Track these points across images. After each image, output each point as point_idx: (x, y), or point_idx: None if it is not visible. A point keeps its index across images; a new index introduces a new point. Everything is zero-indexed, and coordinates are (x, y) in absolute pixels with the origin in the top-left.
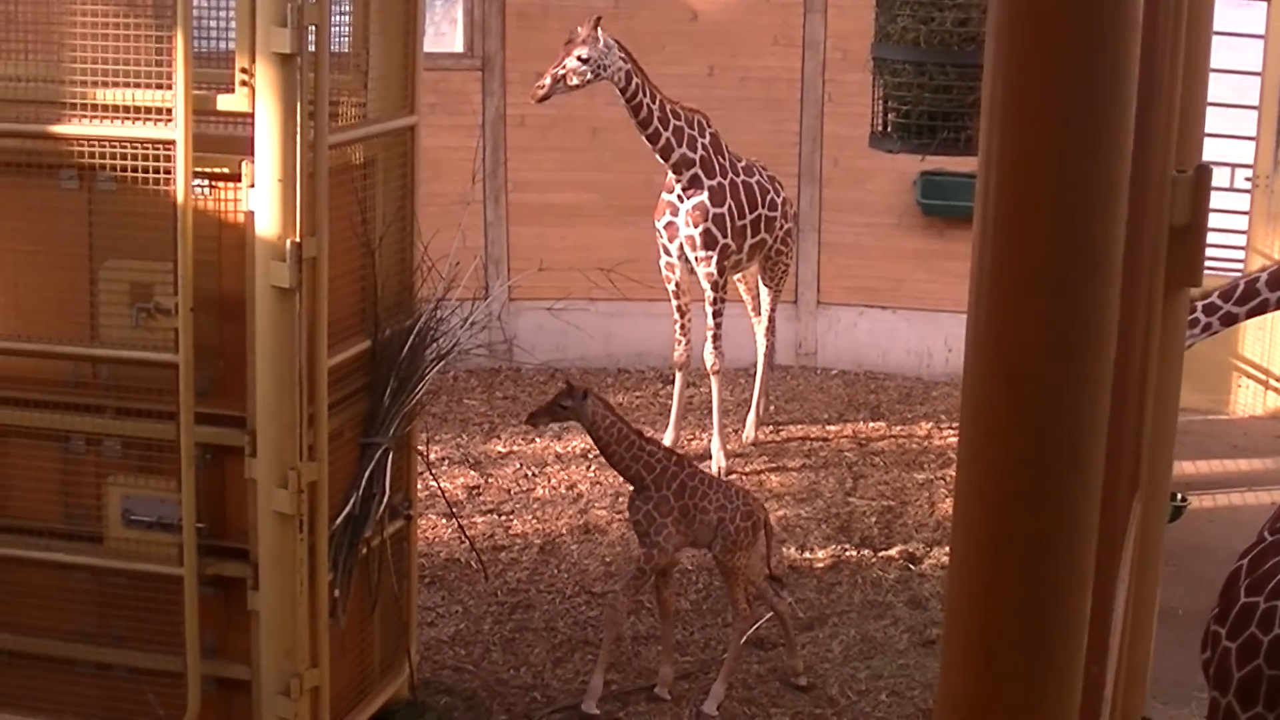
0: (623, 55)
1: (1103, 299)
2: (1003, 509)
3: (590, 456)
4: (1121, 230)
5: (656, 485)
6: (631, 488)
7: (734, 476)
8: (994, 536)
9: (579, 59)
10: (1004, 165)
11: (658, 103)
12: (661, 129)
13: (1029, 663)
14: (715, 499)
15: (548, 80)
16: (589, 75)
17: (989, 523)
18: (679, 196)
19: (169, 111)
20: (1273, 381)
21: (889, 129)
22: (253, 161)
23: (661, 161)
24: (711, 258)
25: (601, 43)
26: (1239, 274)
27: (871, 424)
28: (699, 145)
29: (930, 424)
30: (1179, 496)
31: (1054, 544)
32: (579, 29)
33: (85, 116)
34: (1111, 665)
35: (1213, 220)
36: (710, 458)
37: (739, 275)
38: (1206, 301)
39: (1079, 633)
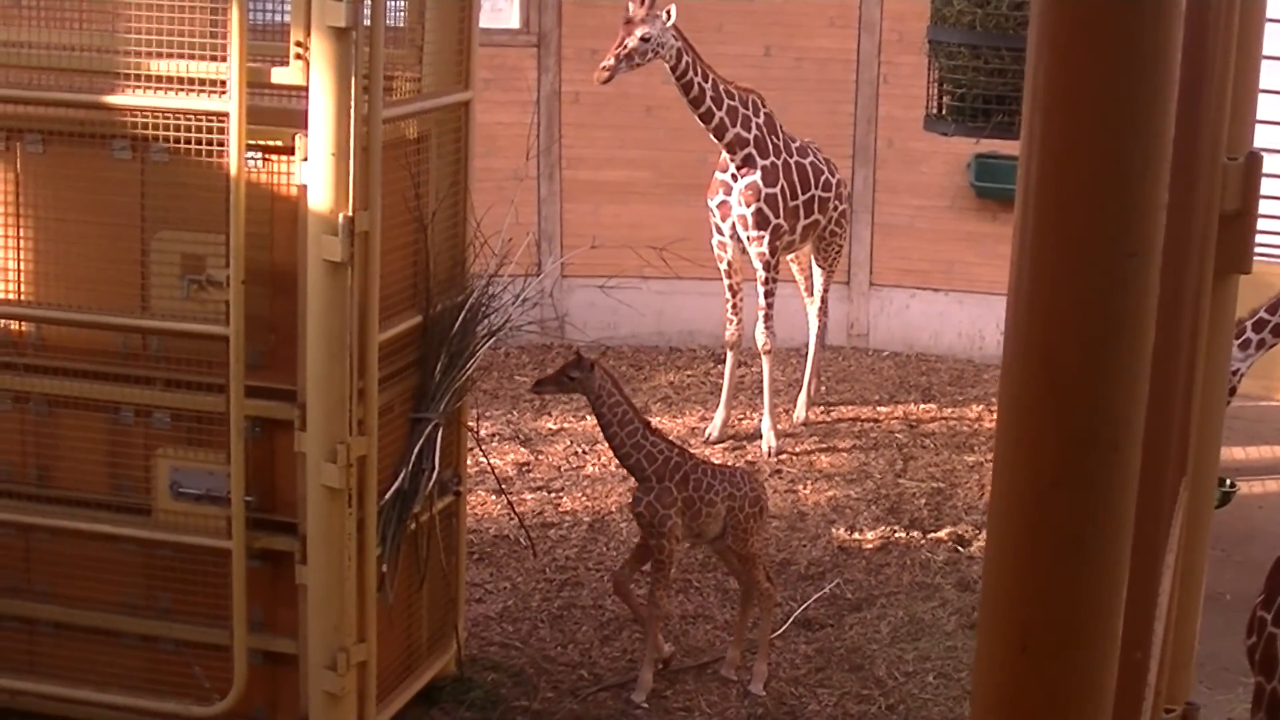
0: (675, 33)
1: (1142, 286)
2: (1040, 495)
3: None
4: (1162, 218)
5: (658, 477)
6: (633, 478)
7: (784, 456)
8: (1031, 523)
9: (641, 38)
10: (1044, 152)
11: (710, 82)
12: (715, 108)
13: (1065, 649)
14: (722, 489)
15: (611, 60)
16: (649, 54)
17: (1026, 509)
18: (732, 176)
19: (223, 83)
20: None
21: (944, 111)
22: (306, 135)
23: (715, 141)
24: (763, 237)
25: (661, 20)
26: None
27: (922, 406)
28: (753, 125)
29: (981, 407)
30: (1228, 482)
31: (1091, 531)
32: (635, 6)
33: (139, 87)
34: (1156, 650)
35: (1263, 207)
36: (761, 437)
37: (792, 255)
38: (1255, 319)
39: (1115, 619)
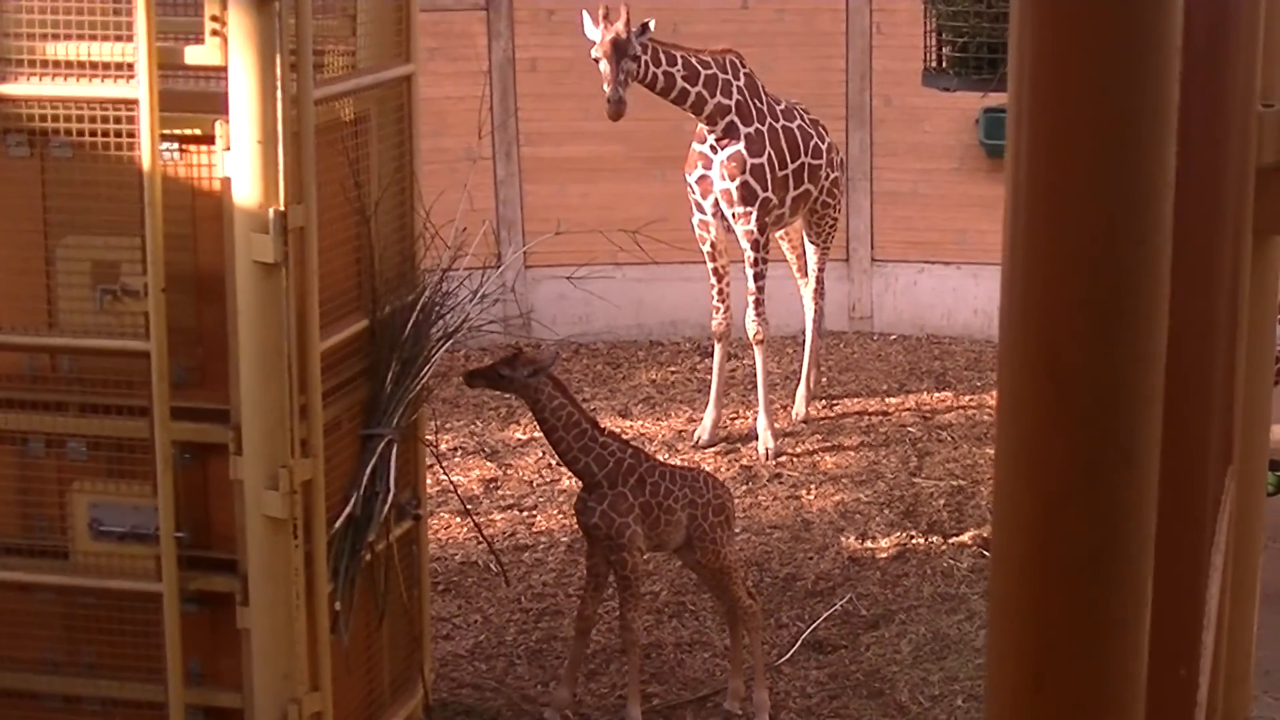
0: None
1: (1154, 276)
2: (1048, 514)
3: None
4: (1170, 198)
5: (610, 481)
6: (580, 484)
7: (784, 458)
8: (1039, 544)
9: (633, 58)
10: (1034, 128)
11: (679, 62)
12: (689, 86)
13: (1083, 683)
14: (681, 494)
15: (614, 91)
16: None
17: (1033, 529)
18: (712, 147)
19: (130, 66)
20: None
21: (944, 64)
22: (228, 121)
23: (694, 117)
24: (751, 214)
25: (635, 32)
26: None
27: (937, 394)
28: (733, 90)
29: None
30: None
31: (1106, 551)
32: (617, 26)
33: (34, 74)
34: (1206, 664)
35: None
36: (756, 438)
37: (781, 232)
38: None
39: (1137, 649)
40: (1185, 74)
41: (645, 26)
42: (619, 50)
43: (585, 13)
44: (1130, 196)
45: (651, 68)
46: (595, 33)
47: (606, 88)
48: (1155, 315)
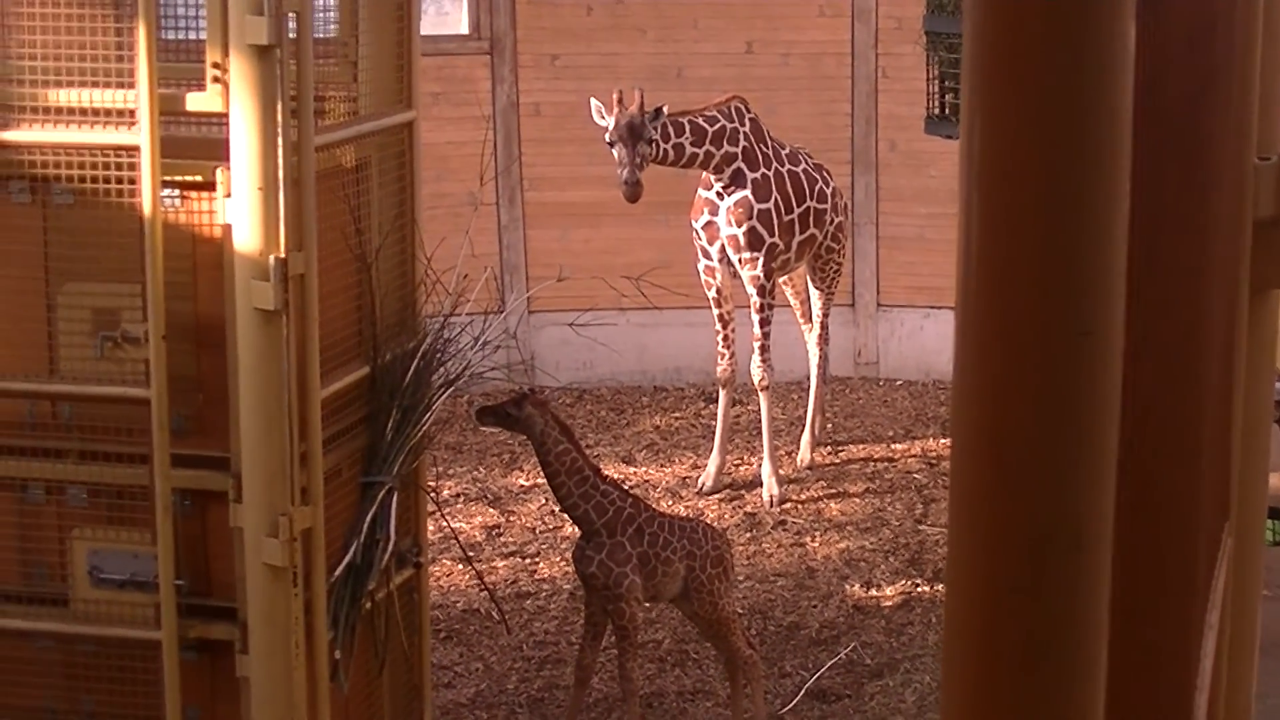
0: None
1: (1101, 367)
2: (996, 602)
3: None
4: (1120, 287)
5: (609, 530)
6: (579, 532)
7: (788, 505)
8: (989, 633)
9: (649, 142)
10: (983, 215)
11: (686, 130)
12: (697, 150)
13: None
14: (680, 546)
15: (631, 174)
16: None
17: (982, 618)
18: (719, 193)
19: (132, 113)
20: None
21: (946, 111)
22: (229, 168)
23: (704, 172)
24: (757, 259)
25: (653, 117)
26: None
27: (943, 441)
28: (740, 136)
29: None
30: None
31: (1056, 641)
32: (629, 109)
33: (36, 120)
34: None
35: None
36: (761, 485)
37: (785, 277)
38: None
39: None
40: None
41: (659, 111)
42: (635, 134)
43: (594, 100)
44: (1075, 288)
45: (662, 145)
46: (605, 120)
47: (623, 172)
48: (1104, 406)
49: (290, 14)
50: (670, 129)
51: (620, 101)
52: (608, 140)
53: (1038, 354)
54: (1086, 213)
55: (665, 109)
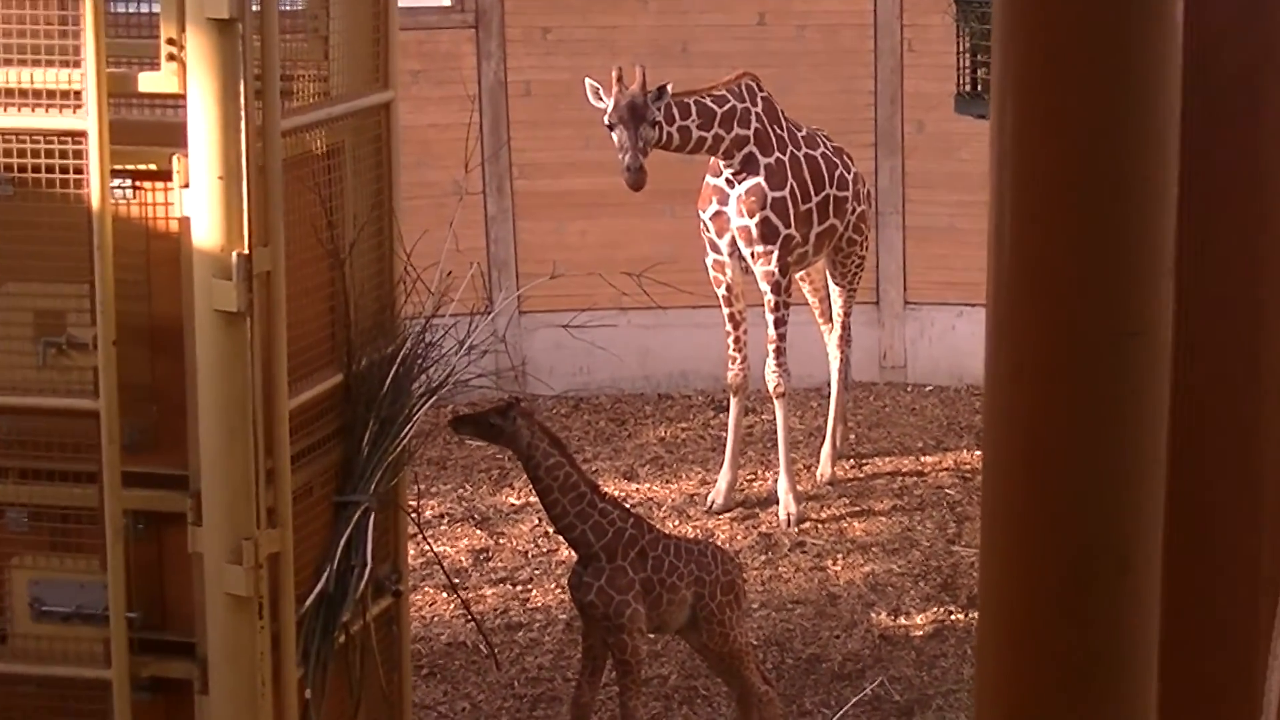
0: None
1: (1149, 370)
2: (1036, 628)
3: (627, 506)
4: (1168, 283)
5: (609, 553)
6: (575, 555)
7: (807, 525)
8: (1028, 662)
9: (652, 124)
10: (1017, 208)
11: (692, 111)
12: (705, 134)
13: None
14: (687, 571)
15: (633, 159)
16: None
17: (1021, 645)
18: (728, 180)
19: (78, 95)
20: None
21: (979, 88)
22: (186, 155)
23: (713, 157)
24: (772, 253)
25: (656, 97)
26: None
27: (978, 452)
28: (751, 117)
29: None
30: None
31: (1101, 669)
32: (630, 87)
33: None
34: None
35: None
36: (777, 502)
37: (803, 273)
38: None
39: None
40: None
41: (662, 90)
42: (637, 116)
43: (589, 80)
44: (1119, 284)
45: (666, 128)
46: (603, 101)
47: (624, 156)
48: (1152, 413)
49: None
50: (675, 110)
51: (620, 80)
52: (607, 123)
53: (1078, 356)
54: (1131, 201)
55: (669, 88)
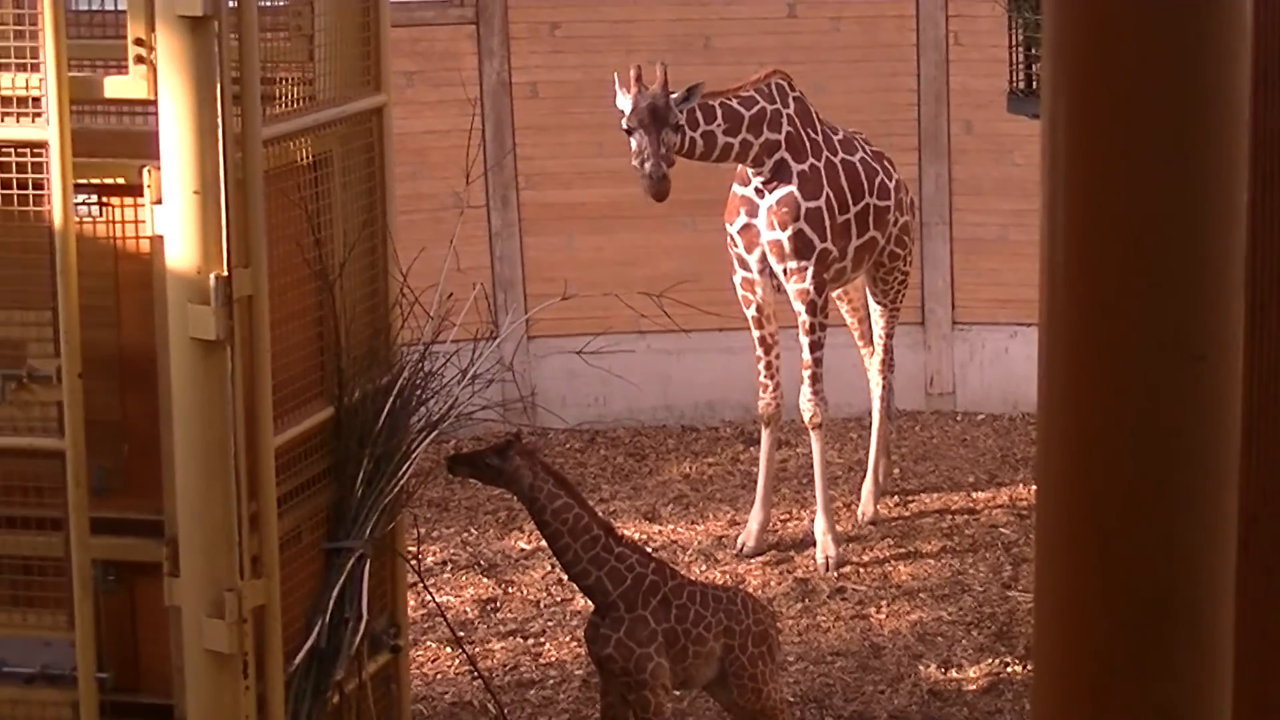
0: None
1: (1219, 397)
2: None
3: (647, 550)
4: (1238, 300)
5: (628, 602)
6: (591, 605)
7: (848, 569)
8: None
9: (675, 127)
10: (1071, 226)
11: (718, 115)
12: (731, 140)
13: None
14: (715, 621)
15: (656, 165)
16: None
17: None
18: (758, 190)
19: (37, 102)
20: None
21: (1033, 85)
22: (158, 167)
23: (743, 166)
24: (806, 269)
25: (682, 99)
26: None
27: (1034, 487)
28: (782, 120)
29: None
30: None
31: None
32: (649, 88)
33: None
34: None
35: None
36: (814, 544)
37: (840, 291)
38: None
39: None
40: None
41: (692, 91)
42: (658, 119)
43: (618, 75)
44: (1185, 304)
45: (689, 132)
46: (625, 101)
47: (645, 164)
48: (1222, 445)
49: None
50: (699, 114)
51: (639, 80)
52: (625, 127)
53: (1140, 383)
54: (1197, 212)
55: (701, 88)
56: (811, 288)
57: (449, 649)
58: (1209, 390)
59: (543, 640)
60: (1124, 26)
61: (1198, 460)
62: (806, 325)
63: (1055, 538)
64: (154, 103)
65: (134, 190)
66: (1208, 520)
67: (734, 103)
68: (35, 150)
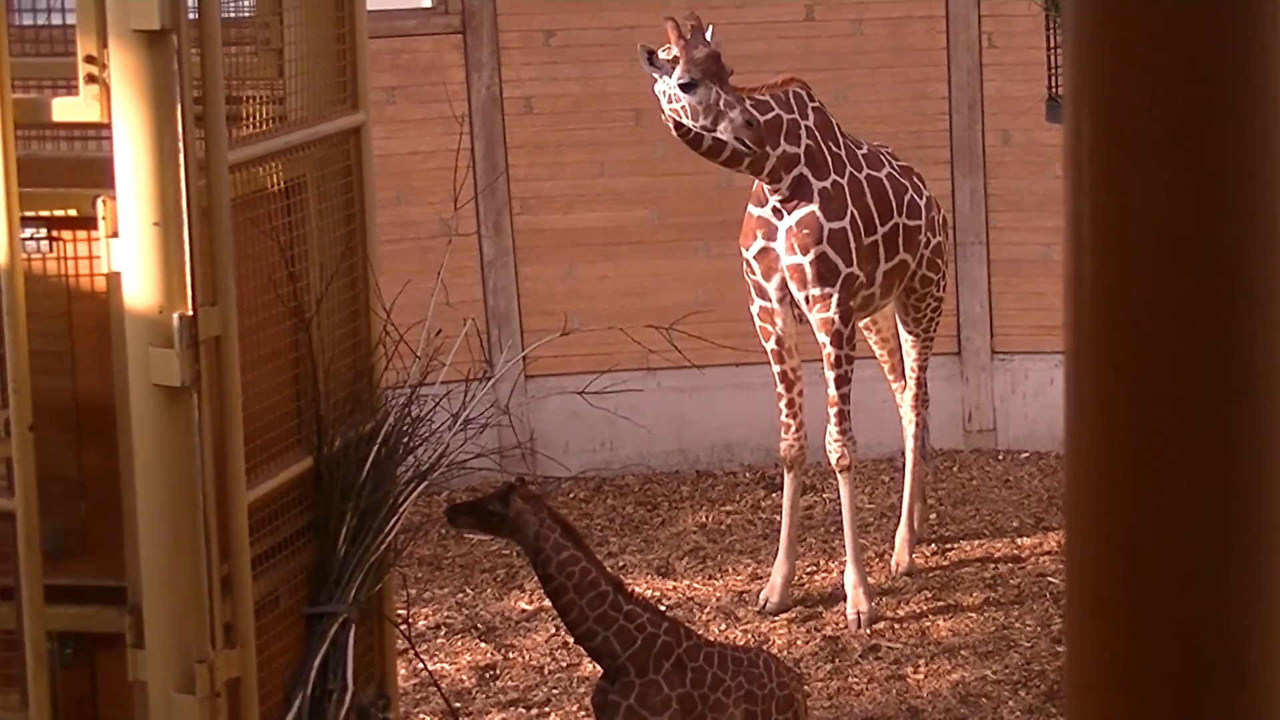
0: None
1: (1258, 443)
2: None
3: (659, 608)
4: (1277, 340)
5: (639, 666)
6: (600, 668)
7: (881, 625)
8: None
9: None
10: (1097, 244)
11: (736, 110)
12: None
13: None
14: (735, 685)
15: (749, 111)
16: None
17: None
18: (776, 210)
19: None
20: None
21: None
22: (114, 197)
23: (756, 177)
24: (830, 297)
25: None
26: None
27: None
28: (801, 131)
29: None
30: None
31: None
32: (689, 38)
33: None
34: None
35: None
36: (845, 599)
37: (868, 320)
38: None
39: None
40: None
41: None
42: (722, 68)
43: (641, 46)
44: (1224, 336)
45: (706, 120)
46: (661, 62)
47: (731, 111)
48: (1265, 488)
49: None
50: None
51: (696, 28)
52: (684, 81)
53: (1175, 422)
54: (1234, 239)
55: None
56: (837, 317)
57: None
58: (1250, 429)
59: (547, 710)
60: (1153, 38)
61: (1239, 504)
62: (832, 358)
63: (1087, 597)
64: (108, 126)
65: (87, 223)
66: (1252, 570)
67: (748, 104)
68: None
